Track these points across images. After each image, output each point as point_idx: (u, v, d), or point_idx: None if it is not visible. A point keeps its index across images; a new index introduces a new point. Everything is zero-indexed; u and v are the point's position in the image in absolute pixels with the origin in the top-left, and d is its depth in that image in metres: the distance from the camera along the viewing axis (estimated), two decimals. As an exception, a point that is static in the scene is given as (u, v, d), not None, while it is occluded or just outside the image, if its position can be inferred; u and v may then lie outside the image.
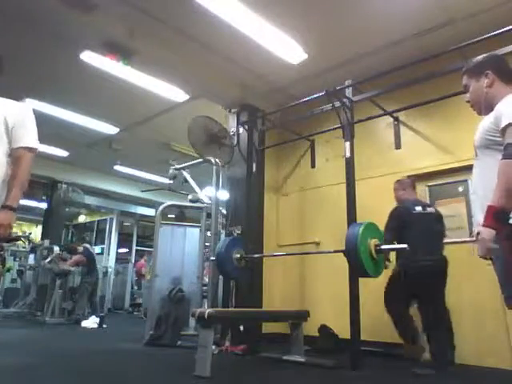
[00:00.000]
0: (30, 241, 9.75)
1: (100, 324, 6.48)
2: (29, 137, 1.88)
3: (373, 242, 2.94)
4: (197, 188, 5.27)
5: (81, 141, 7.64)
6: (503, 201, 1.51)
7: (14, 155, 1.82)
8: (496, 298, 3.67)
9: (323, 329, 4.44)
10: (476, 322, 3.76)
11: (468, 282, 3.88)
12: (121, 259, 12.39)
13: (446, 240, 4.15)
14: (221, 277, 4.85)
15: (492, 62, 1.86)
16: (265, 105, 5.46)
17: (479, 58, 1.92)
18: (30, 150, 1.87)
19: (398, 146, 4.55)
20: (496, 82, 1.79)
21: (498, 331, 3.62)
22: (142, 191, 10.69)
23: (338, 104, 4.18)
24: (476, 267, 3.87)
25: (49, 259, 7.63)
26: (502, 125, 1.57)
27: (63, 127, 6.80)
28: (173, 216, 8.92)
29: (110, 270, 11.39)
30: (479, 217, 1.61)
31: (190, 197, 5.16)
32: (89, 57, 4.64)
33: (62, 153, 8.46)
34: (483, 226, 1.54)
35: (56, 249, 8.02)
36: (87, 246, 7.71)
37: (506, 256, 1.59)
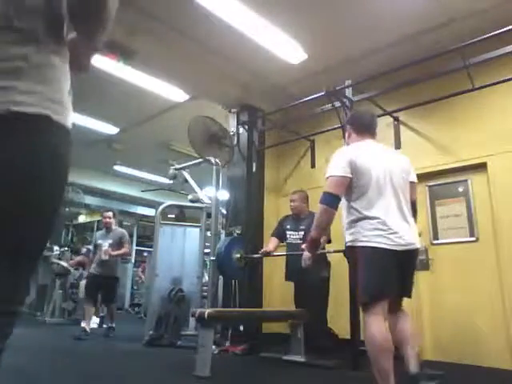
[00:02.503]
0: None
1: (100, 324, 6.48)
2: None
3: (373, 241, 2.95)
4: (197, 188, 5.27)
5: (81, 141, 7.62)
6: (315, 234, 2.25)
7: None
8: (495, 298, 3.68)
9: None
10: (475, 321, 3.76)
11: (467, 281, 3.88)
12: (121, 259, 12.37)
13: (446, 240, 4.18)
14: (221, 277, 4.85)
15: (349, 120, 2.50)
16: (265, 105, 5.46)
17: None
18: None
19: (397, 146, 4.55)
20: (352, 135, 2.40)
21: (498, 331, 3.61)
22: (142, 191, 10.68)
23: (338, 104, 4.19)
24: (474, 267, 3.88)
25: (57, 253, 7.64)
26: (325, 177, 2.22)
27: (63, 127, 6.79)
28: (173, 216, 8.91)
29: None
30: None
31: (189, 197, 5.16)
32: (89, 57, 4.63)
33: (62, 153, 8.45)
34: (306, 249, 2.40)
35: (56, 248, 8.02)
36: (90, 247, 7.71)
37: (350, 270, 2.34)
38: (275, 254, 4.13)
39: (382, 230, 2.08)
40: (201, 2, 3.72)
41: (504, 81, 3.62)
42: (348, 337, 3.54)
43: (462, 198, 4.15)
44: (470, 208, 4.06)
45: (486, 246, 3.86)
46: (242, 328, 4.54)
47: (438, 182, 4.34)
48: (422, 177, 4.37)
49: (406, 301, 2.27)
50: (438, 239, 4.21)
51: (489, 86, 3.70)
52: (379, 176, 2.17)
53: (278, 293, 5.07)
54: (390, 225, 2.10)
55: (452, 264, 4.04)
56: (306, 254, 2.39)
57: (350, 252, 2.19)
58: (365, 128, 2.38)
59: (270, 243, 4.13)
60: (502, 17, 3.63)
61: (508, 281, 3.61)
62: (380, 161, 2.23)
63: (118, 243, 5.39)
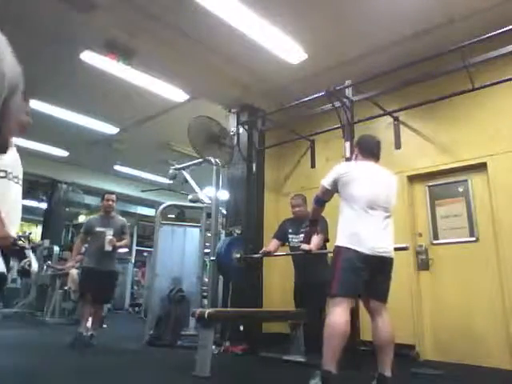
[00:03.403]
0: (29, 241, 9.74)
1: (100, 324, 6.47)
2: None
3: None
4: (197, 188, 5.27)
5: (81, 141, 7.63)
6: (311, 217, 2.97)
7: None
8: (495, 298, 3.68)
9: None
10: (475, 321, 3.76)
11: (467, 281, 3.89)
12: (121, 259, 12.39)
13: (446, 240, 4.17)
14: (221, 277, 4.85)
15: (357, 143, 2.86)
16: (265, 105, 5.45)
17: None
18: None
19: (397, 146, 4.55)
20: (359, 156, 2.76)
21: (498, 331, 3.61)
22: (142, 191, 10.69)
23: (338, 104, 4.19)
24: (474, 267, 3.88)
25: (45, 267, 7.66)
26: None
27: (63, 127, 6.80)
28: (173, 216, 8.91)
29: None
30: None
31: (190, 197, 5.16)
32: (89, 57, 4.64)
33: (62, 153, 8.46)
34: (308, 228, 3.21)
35: (56, 249, 8.02)
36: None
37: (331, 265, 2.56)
38: (275, 254, 4.13)
39: (362, 235, 2.43)
40: (201, 2, 3.72)
41: (504, 81, 3.62)
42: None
43: (462, 198, 4.15)
44: (469, 208, 4.06)
45: (486, 246, 3.86)
46: (242, 328, 4.54)
47: (438, 182, 4.34)
48: (422, 177, 4.39)
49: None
50: (438, 239, 4.21)
51: (489, 85, 3.70)
52: (370, 191, 2.54)
53: (277, 293, 5.08)
54: (371, 233, 2.45)
55: (452, 264, 4.04)
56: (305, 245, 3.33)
57: (335, 249, 2.55)
58: (370, 151, 2.74)
59: (271, 244, 4.13)
60: (502, 17, 3.63)
61: (508, 281, 3.61)
62: (374, 179, 2.62)
63: (120, 233, 4.62)
